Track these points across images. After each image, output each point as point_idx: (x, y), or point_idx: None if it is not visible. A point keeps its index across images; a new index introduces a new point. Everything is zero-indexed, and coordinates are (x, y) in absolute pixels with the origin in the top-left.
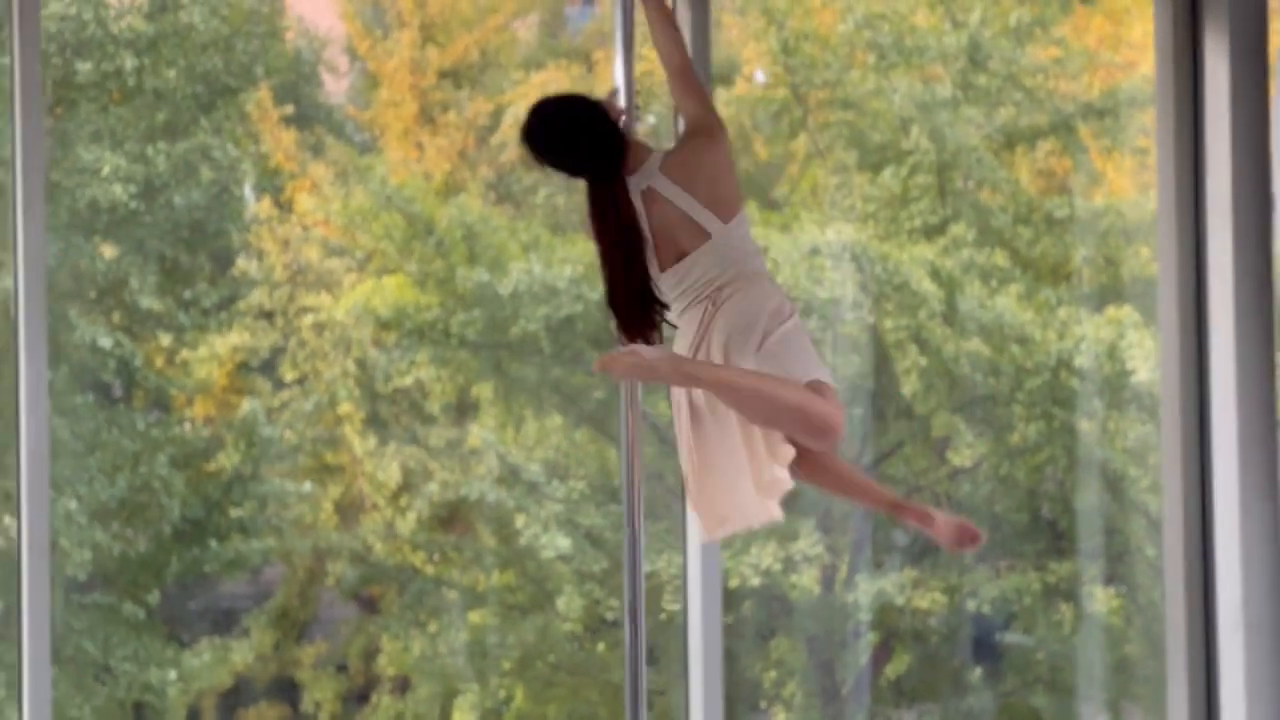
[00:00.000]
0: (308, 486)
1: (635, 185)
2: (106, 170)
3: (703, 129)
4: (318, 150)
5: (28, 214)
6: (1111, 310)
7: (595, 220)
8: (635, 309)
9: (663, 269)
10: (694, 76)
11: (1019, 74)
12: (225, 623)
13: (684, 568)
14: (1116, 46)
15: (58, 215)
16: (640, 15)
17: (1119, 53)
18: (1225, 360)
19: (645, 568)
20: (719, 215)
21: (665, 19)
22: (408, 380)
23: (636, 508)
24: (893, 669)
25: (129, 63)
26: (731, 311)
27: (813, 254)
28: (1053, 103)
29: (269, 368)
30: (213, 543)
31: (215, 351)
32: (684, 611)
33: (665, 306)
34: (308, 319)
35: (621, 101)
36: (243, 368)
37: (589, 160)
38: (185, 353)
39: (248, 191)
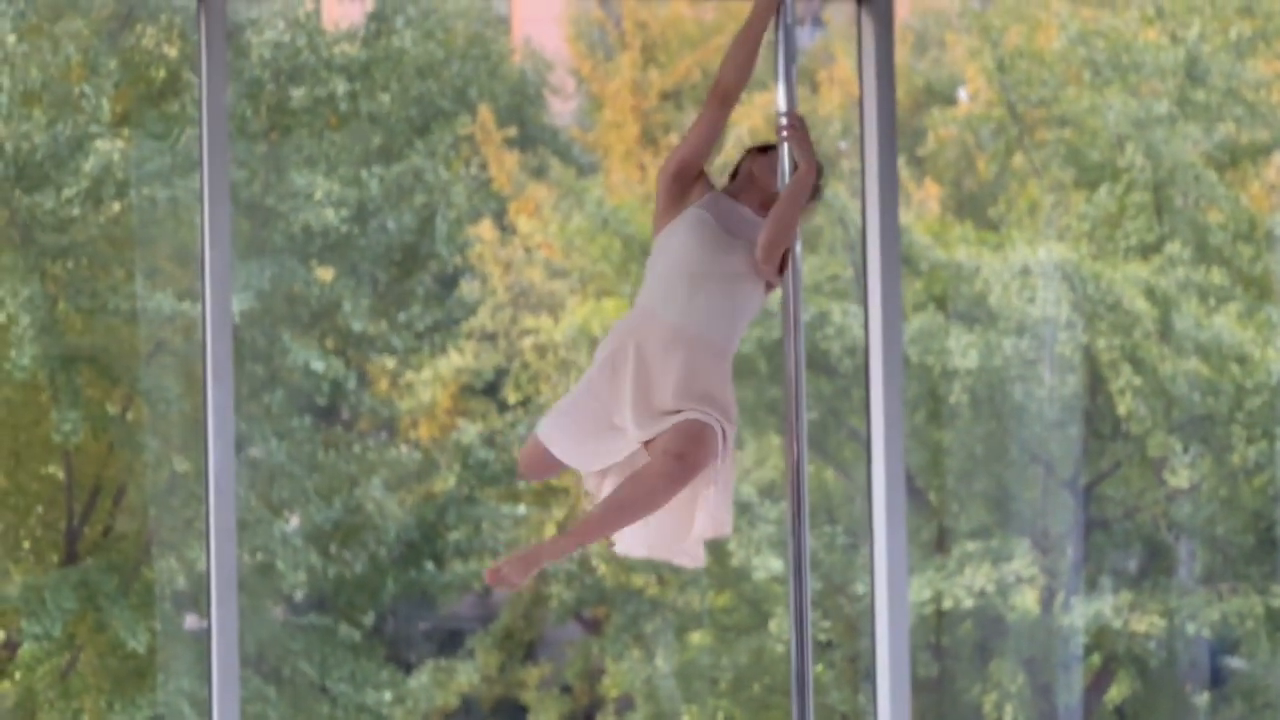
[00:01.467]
0: (522, 509)
1: None
2: (319, 194)
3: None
4: (540, 172)
5: (214, 239)
6: None
7: None
8: None
9: None
10: (713, 112)
11: (1240, 88)
12: (450, 644)
13: (871, 593)
14: None
15: (272, 240)
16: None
17: None
18: None
19: (861, 589)
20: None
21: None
22: None
23: (802, 516)
24: (1115, 693)
25: (342, 88)
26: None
27: (1024, 274)
28: (1276, 117)
29: (492, 390)
30: (429, 565)
31: (439, 374)
32: (872, 637)
33: None
34: (528, 341)
35: (784, 122)
36: (465, 390)
37: None
38: (409, 375)
39: (440, 221)
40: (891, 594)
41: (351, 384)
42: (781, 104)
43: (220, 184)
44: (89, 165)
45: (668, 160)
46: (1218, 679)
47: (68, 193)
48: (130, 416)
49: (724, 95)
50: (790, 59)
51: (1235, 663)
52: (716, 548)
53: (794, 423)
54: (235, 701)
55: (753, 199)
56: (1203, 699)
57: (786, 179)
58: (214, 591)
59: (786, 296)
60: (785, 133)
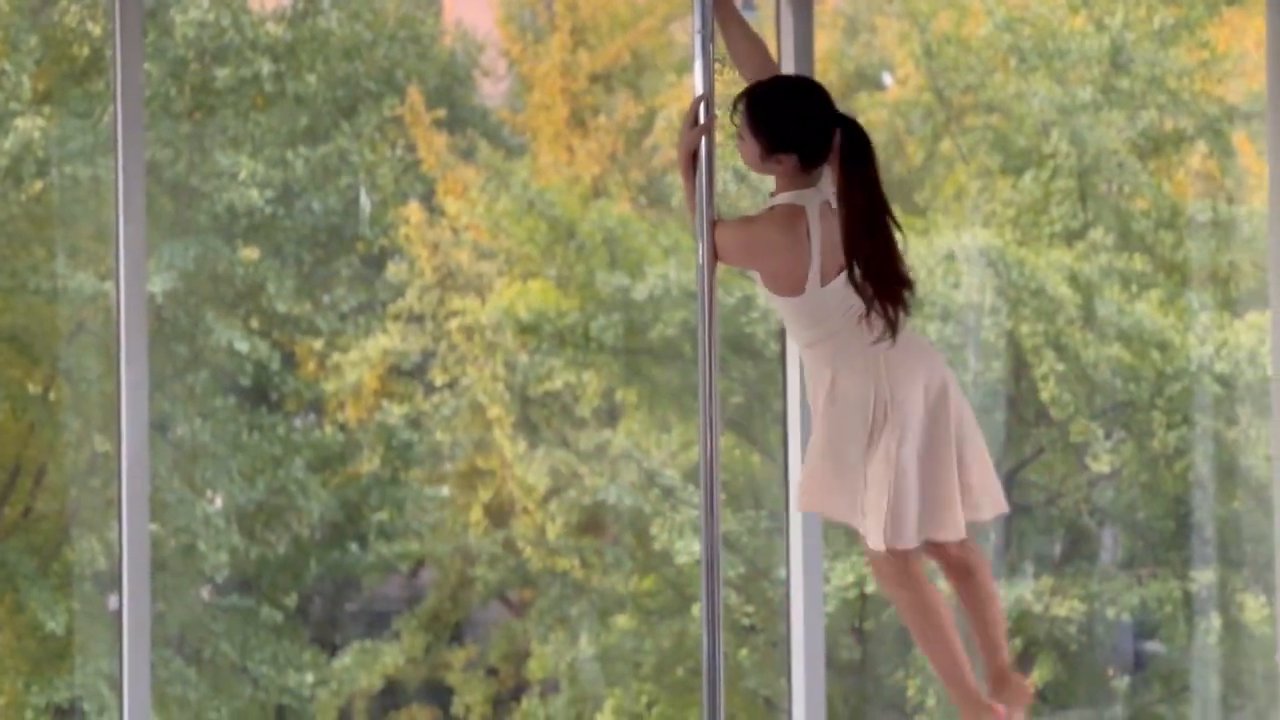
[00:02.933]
0: (445, 491)
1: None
2: (244, 175)
3: None
4: (468, 154)
5: (129, 217)
6: (1253, 315)
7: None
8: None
9: (823, 283)
10: None
11: (1163, 77)
12: (375, 625)
13: (787, 577)
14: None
15: (196, 220)
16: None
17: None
18: None
19: (784, 574)
20: None
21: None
22: (556, 384)
23: (715, 499)
24: (1036, 676)
25: (267, 68)
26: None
27: (949, 259)
28: (1199, 106)
29: (419, 371)
30: (353, 546)
31: (366, 355)
32: (787, 621)
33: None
34: (455, 322)
35: (702, 110)
36: (393, 371)
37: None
38: (336, 356)
39: (363, 199)
40: (807, 578)
41: (276, 365)
42: (699, 88)
43: (135, 163)
44: (9, 143)
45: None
46: (1137, 663)
47: None
48: (51, 396)
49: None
50: (707, 40)
51: (1154, 646)
52: (639, 531)
53: (707, 406)
54: (146, 682)
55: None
56: (1122, 682)
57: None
58: (126, 571)
59: (700, 281)
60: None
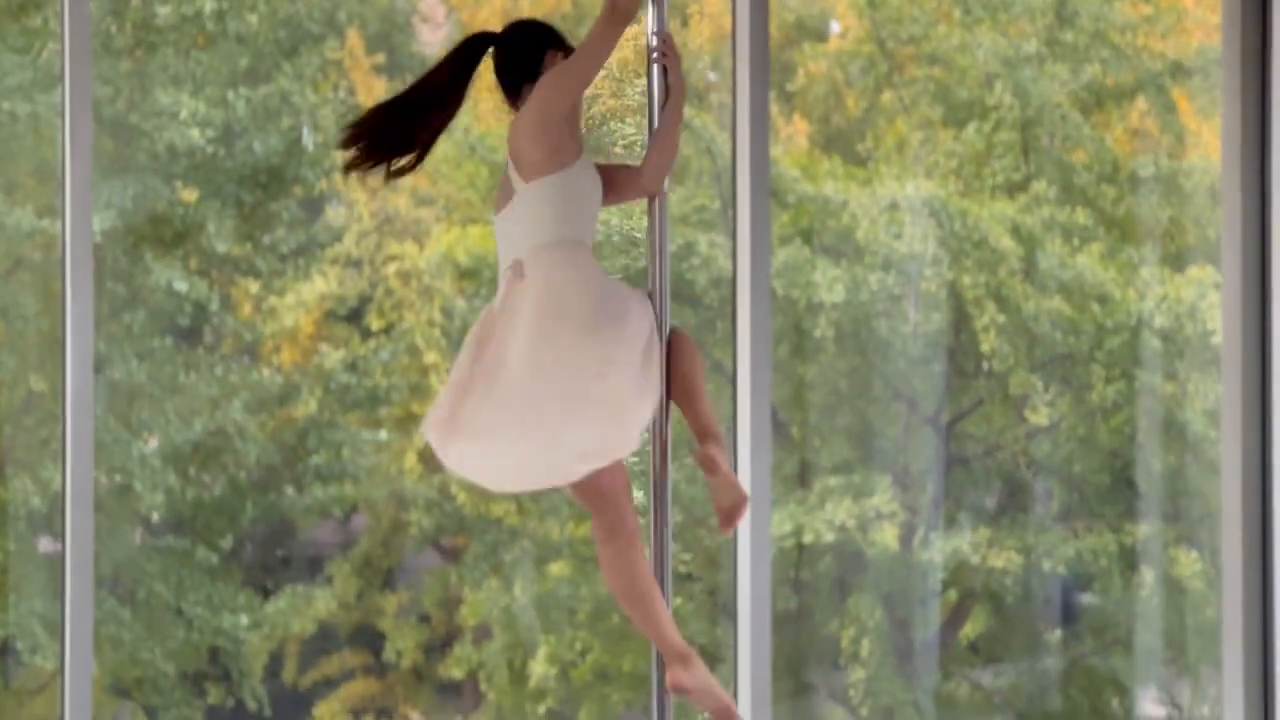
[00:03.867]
0: (384, 435)
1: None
2: (185, 114)
3: (538, 94)
4: None
5: (75, 155)
6: (1193, 270)
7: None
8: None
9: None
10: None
11: (1107, 30)
12: (308, 570)
13: (734, 535)
14: (1215, 6)
15: (136, 158)
16: None
17: (1216, 13)
18: None
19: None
20: (521, 174)
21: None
22: None
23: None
24: (970, 629)
25: (209, 6)
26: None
27: (892, 209)
28: (1141, 61)
29: (356, 316)
30: (289, 489)
31: (302, 299)
32: (733, 572)
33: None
34: (393, 267)
35: (656, 44)
36: (329, 315)
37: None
38: (272, 299)
39: (306, 136)
40: (754, 529)
41: (214, 306)
42: (652, 26)
43: (82, 100)
44: None
45: (561, 79)
46: (1071, 615)
47: None
48: None
49: (625, 14)
50: None
51: (1088, 599)
52: None
53: (660, 354)
54: (88, 623)
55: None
56: (1055, 635)
57: (657, 101)
58: (69, 513)
59: (652, 227)
60: (657, 54)
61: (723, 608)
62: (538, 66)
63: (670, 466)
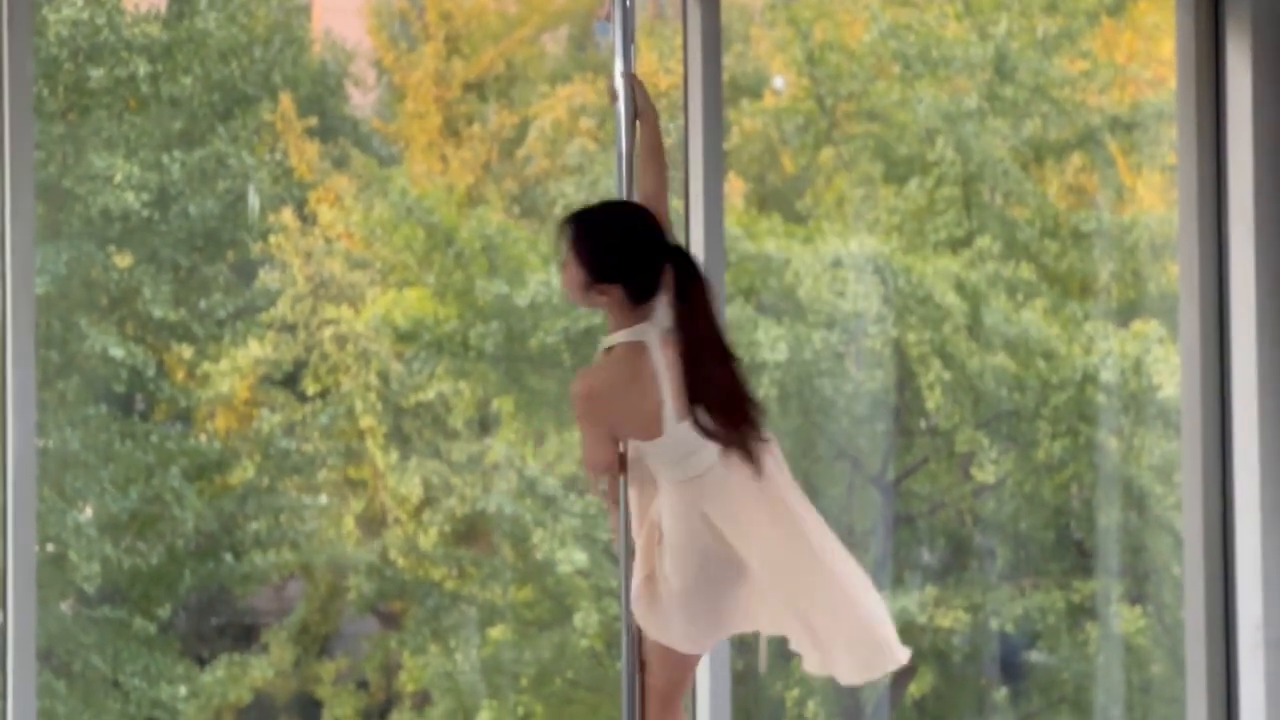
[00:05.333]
0: (324, 499)
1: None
2: (119, 178)
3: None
4: (341, 163)
5: (15, 220)
6: (1138, 325)
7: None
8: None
9: (680, 418)
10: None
11: (1046, 86)
12: (245, 638)
13: None
14: (1147, 62)
15: (70, 223)
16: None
17: (1149, 68)
18: (1247, 375)
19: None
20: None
21: (656, 148)
22: (430, 394)
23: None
24: (916, 688)
25: (143, 69)
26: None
27: (835, 265)
28: (1081, 116)
29: (292, 381)
30: (227, 557)
31: (237, 364)
32: None
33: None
34: (329, 331)
35: (622, 104)
36: (265, 380)
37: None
38: (206, 365)
39: (252, 198)
40: None
41: (150, 372)
42: (618, 68)
43: (24, 163)
44: None
45: None
46: (1018, 673)
47: None
48: None
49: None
50: (629, 37)
51: (1036, 656)
52: (518, 542)
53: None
54: (32, 698)
55: None
56: (1001, 693)
57: (624, 133)
58: (11, 584)
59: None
60: (623, 84)
61: None
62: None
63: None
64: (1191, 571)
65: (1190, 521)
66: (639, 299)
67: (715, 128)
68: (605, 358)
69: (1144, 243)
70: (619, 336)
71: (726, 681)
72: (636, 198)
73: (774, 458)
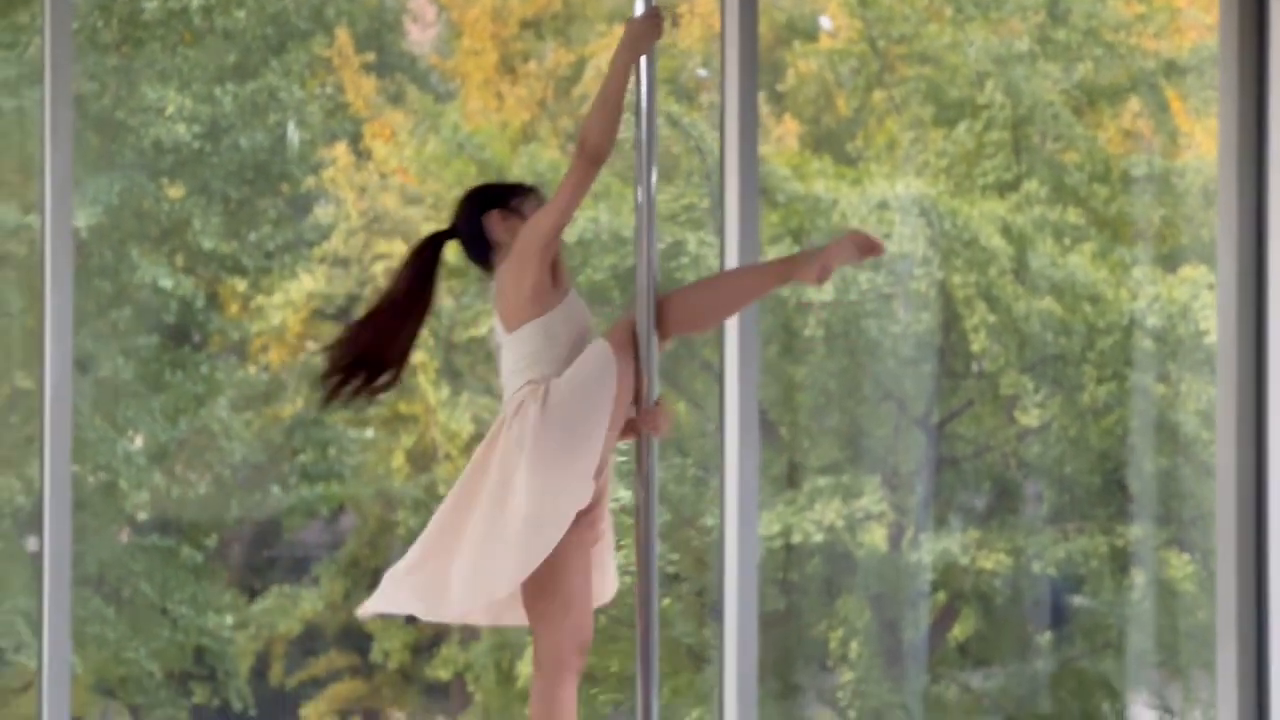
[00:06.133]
0: (370, 433)
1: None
2: (171, 110)
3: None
4: (397, 99)
5: (56, 149)
6: (1186, 270)
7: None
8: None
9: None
10: (583, 174)
11: (1099, 29)
12: (296, 571)
13: (721, 528)
14: (1207, 6)
15: (122, 154)
16: None
17: (1209, 12)
18: None
19: (710, 522)
20: (506, 325)
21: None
22: (481, 330)
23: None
24: (960, 630)
25: (196, 2)
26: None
27: (881, 208)
28: (1135, 60)
29: (345, 315)
30: (274, 488)
31: (290, 298)
32: (720, 572)
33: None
34: (381, 265)
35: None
36: (318, 314)
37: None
38: (260, 299)
39: (291, 133)
40: (741, 529)
41: (200, 303)
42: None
43: (63, 93)
44: None
45: (538, 224)
46: (1061, 617)
47: None
48: None
49: (594, 155)
50: None
51: (1078, 601)
52: None
53: (646, 351)
54: (66, 623)
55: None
56: (1045, 637)
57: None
58: (48, 509)
59: (640, 225)
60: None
61: (710, 608)
62: (484, 235)
63: (655, 464)
64: (1224, 513)
65: (1224, 461)
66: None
67: (750, 75)
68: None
69: (1195, 188)
70: None
71: (753, 620)
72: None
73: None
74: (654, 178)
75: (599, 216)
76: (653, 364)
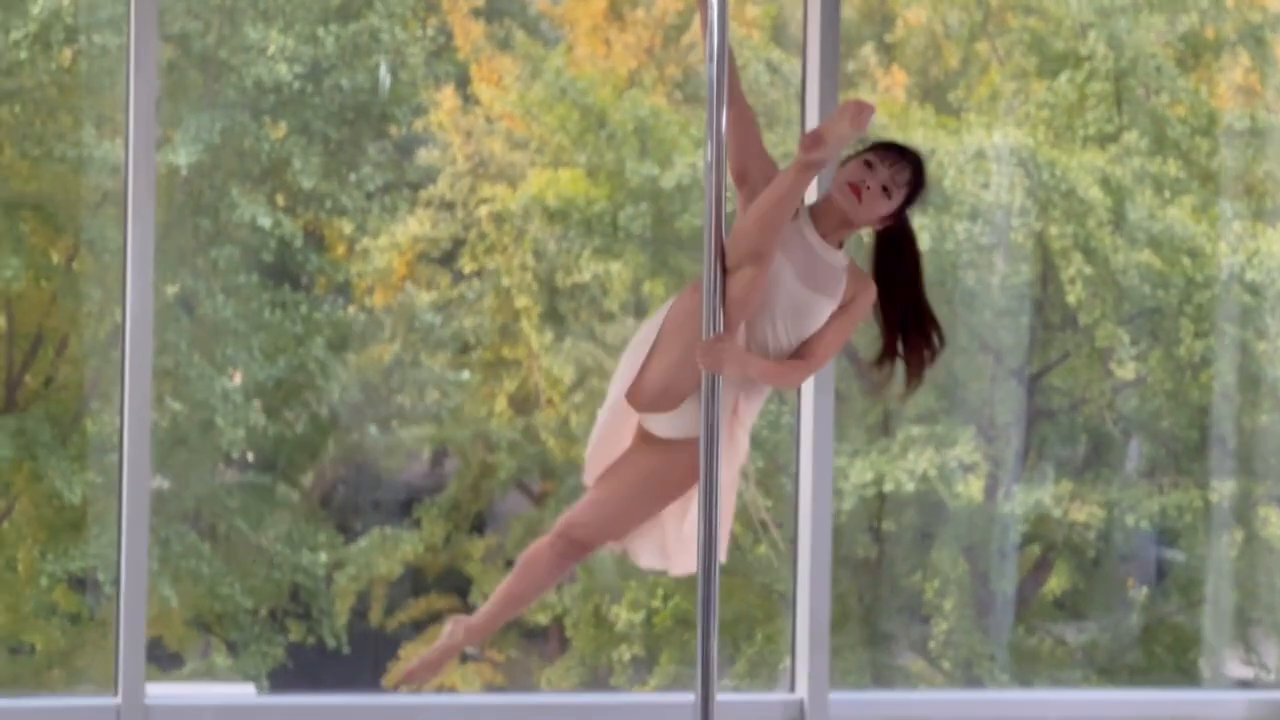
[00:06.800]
0: (466, 375)
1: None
2: (273, 49)
3: None
4: (505, 44)
5: (139, 81)
6: None
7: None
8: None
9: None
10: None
11: None
12: (398, 512)
13: (795, 473)
14: None
15: (224, 93)
16: None
17: None
18: None
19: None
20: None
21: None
22: (585, 276)
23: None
24: (1054, 584)
25: None
26: None
27: (979, 157)
28: (1240, 13)
29: (449, 259)
30: (371, 429)
31: (396, 240)
32: (795, 515)
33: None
34: (485, 210)
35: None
36: (423, 258)
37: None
38: (366, 241)
39: (383, 74)
40: (816, 474)
41: (299, 242)
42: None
43: (148, 25)
44: (37, 9)
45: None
46: (1155, 571)
47: (15, 35)
48: (75, 266)
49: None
50: None
51: (1173, 555)
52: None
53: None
54: (143, 556)
55: (829, 222)
56: (1138, 591)
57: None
58: (126, 435)
59: (708, 165)
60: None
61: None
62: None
63: (718, 407)
64: None
65: None
66: None
67: (832, 16)
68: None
69: None
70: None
71: (827, 565)
72: None
73: None
74: (724, 120)
75: (697, 162)
76: (715, 301)
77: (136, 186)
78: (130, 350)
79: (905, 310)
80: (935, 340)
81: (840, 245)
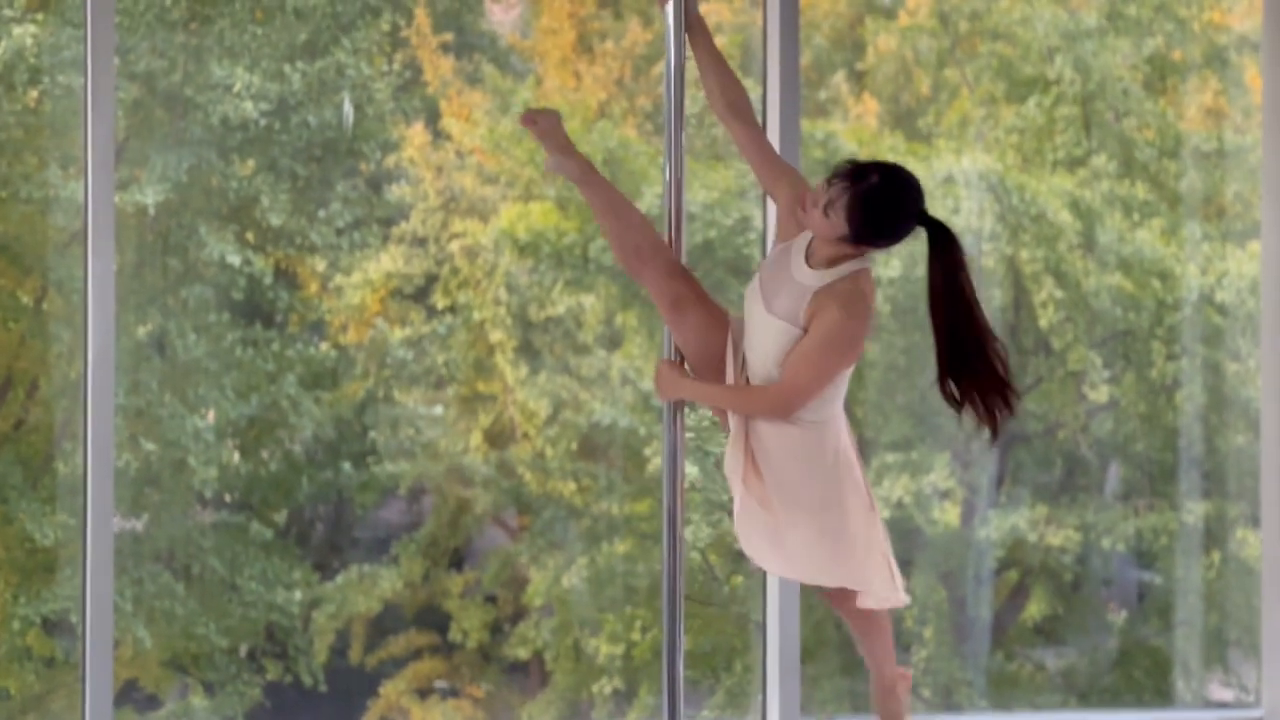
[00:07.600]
0: (439, 410)
1: None
2: (239, 87)
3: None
4: (474, 79)
5: (96, 121)
6: (1256, 245)
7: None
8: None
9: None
10: (732, 130)
11: (1170, 4)
12: (375, 550)
13: None
14: None
15: (190, 131)
16: None
17: None
18: None
19: None
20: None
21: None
22: (560, 309)
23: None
24: (1034, 609)
25: None
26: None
27: (948, 182)
28: (1206, 35)
29: (423, 295)
30: (345, 465)
31: (369, 277)
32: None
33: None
34: (457, 244)
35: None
36: (396, 294)
37: None
38: (339, 278)
39: (346, 108)
40: None
41: (269, 280)
42: None
43: (105, 63)
44: (1, 50)
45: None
46: (1132, 594)
47: None
48: (44, 307)
49: (726, 110)
50: None
51: (1150, 578)
52: (634, 454)
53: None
54: (109, 596)
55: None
56: (1117, 615)
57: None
58: (90, 480)
59: (667, 185)
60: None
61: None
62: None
63: (679, 432)
64: (1268, 480)
65: (1268, 432)
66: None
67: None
68: (853, 286)
69: None
70: (855, 265)
71: (795, 598)
72: (720, 107)
73: None
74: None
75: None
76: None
77: (96, 225)
78: (93, 390)
79: (965, 358)
80: (1010, 399)
81: (830, 265)
